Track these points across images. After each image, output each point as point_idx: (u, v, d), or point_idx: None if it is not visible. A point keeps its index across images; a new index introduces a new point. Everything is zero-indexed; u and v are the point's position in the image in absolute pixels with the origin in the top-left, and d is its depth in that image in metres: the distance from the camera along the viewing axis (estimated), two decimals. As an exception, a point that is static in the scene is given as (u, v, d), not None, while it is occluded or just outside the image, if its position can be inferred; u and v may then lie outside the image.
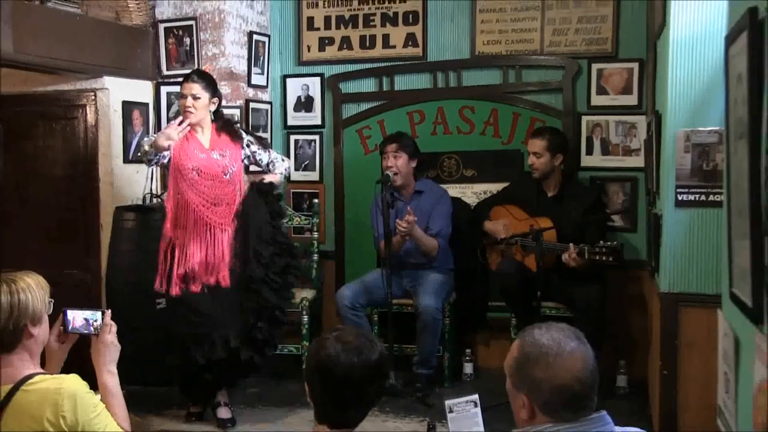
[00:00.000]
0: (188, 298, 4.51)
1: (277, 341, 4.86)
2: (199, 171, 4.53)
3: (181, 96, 4.61)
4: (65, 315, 2.92)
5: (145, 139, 4.64)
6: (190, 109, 4.54)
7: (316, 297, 5.75)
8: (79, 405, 2.66)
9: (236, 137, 4.74)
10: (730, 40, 2.06)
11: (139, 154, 4.56)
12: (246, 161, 4.83)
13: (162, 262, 4.59)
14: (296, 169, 6.09)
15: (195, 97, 4.55)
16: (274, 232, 4.72)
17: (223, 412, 4.70)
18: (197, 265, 4.49)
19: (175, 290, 4.50)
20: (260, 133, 5.60)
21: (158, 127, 5.77)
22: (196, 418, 4.74)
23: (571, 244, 4.64)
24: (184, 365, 4.56)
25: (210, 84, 4.66)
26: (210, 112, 4.66)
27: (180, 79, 5.59)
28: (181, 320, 4.54)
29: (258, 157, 4.84)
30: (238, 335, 4.51)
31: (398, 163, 5.16)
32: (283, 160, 4.97)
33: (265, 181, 4.77)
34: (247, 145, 4.80)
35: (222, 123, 4.76)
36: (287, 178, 5.17)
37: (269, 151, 4.95)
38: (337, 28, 6.09)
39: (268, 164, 4.86)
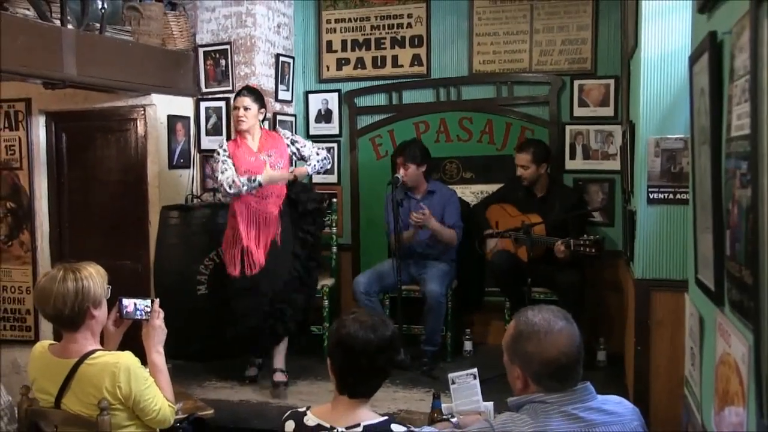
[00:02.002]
0: (246, 279, 4.62)
1: (307, 312, 4.93)
2: (252, 172, 4.55)
3: (234, 108, 4.68)
4: (121, 303, 2.96)
5: (240, 180, 4.55)
6: (242, 118, 4.61)
7: (335, 284, 5.75)
8: (132, 377, 2.71)
9: (280, 138, 4.80)
10: (694, 59, 2.07)
11: (232, 191, 4.55)
12: (294, 157, 4.84)
13: (227, 248, 4.71)
14: (317, 173, 6.10)
15: (246, 108, 4.61)
16: (299, 220, 4.79)
17: (279, 376, 4.75)
18: (252, 246, 4.58)
19: (235, 271, 4.62)
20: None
21: (198, 137, 5.84)
22: (250, 381, 4.84)
23: (558, 239, 4.64)
24: (243, 331, 4.68)
25: (258, 98, 4.72)
26: (259, 120, 4.72)
27: (217, 96, 5.72)
28: (242, 296, 4.66)
29: (302, 152, 4.86)
30: (282, 302, 4.66)
31: (408, 172, 5.12)
32: (318, 153, 4.89)
33: (297, 171, 4.79)
34: (292, 143, 4.83)
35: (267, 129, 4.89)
36: (322, 170, 5.03)
37: (313, 146, 4.95)
38: (353, 50, 6.09)
39: (308, 157, 4.86)
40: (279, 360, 4.81)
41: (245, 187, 4.51)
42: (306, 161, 4.86)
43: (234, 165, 4.61)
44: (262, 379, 4.86)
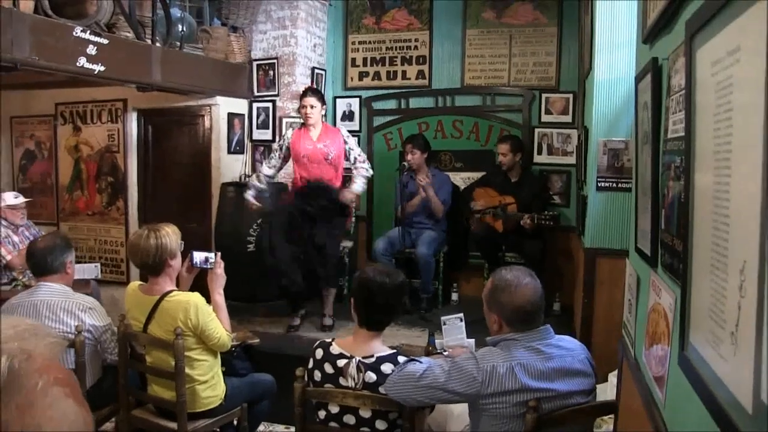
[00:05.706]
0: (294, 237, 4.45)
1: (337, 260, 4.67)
2: (309, 157, 4.46)
3: (301, 106, 4.50)
4: (192, 255, 2.99)
5: (259, 178, 4.64)
6: (309, 115, 4.43)
7: (354, 246, 5.73)
8: (200, 312, 2.74)
9: (338, 132, 4.59)
10: (638, 79, 2.05)
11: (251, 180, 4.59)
12: (345, 153, 4.58)
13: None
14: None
15: (312, 106, 4.44)
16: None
17: (327, 320, 4.65)
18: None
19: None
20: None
21: (250, 130, 5.83)
22: (294, 330, 4.61)
23: (526, 214, 4.64)
24: (289, 284, 4.44)
25: (320, 97, 4.53)
26: (322, 115, 4.54)
27: (266, 98, 5.71)
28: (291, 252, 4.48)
29: (350, 153, 4.58)
30: (322, 260, 4.45)
31: (414, 157, 5.10)
32: (363, 161, 4.59)
33: (345, 197, 4.42)
34: (346, 141, 4.57)
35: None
36: (369, 178, 4.68)
37: (359, 155, 4.63)
38: (371, 65, 6.06)
39: (354, 159, 4.58)
40: (328, 307, 4.68)
41: (251, 190, 4.54)
42: (348, 160, 4.61)
43: (291, 152, 4.51)
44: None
